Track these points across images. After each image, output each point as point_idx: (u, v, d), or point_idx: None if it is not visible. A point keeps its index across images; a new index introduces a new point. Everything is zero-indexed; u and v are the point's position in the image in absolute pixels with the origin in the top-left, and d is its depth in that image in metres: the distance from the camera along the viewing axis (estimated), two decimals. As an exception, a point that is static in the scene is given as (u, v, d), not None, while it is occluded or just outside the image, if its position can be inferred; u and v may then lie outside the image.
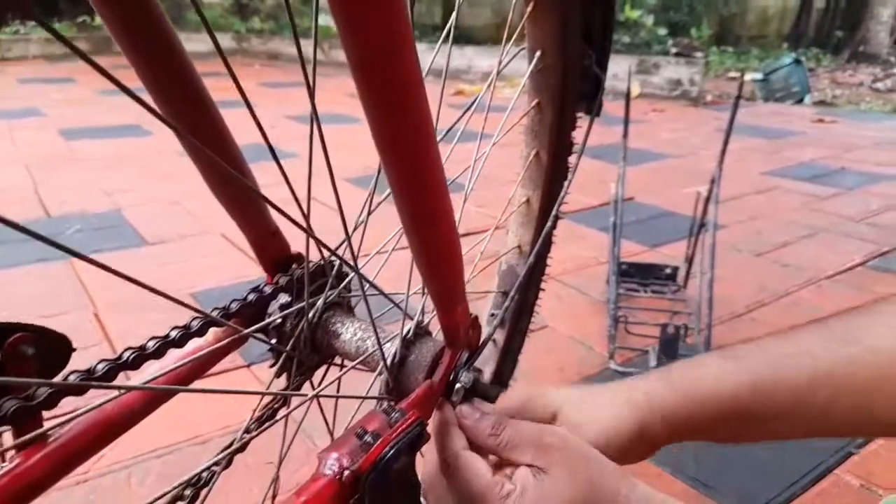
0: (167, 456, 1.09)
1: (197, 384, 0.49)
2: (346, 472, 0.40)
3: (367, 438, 0.41)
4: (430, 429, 0.47)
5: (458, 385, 0.51)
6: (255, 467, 1.04)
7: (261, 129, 0.35)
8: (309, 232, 0.43)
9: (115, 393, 0.41)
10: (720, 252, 1.63)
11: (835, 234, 2.27)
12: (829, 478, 1.08)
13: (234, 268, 1.86)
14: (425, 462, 0.50)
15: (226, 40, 7.63)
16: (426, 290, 0.49)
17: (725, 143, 1.60)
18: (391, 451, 0.41)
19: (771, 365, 0.49)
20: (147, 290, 0.31)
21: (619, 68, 4.58)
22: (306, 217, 0.41)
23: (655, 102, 5.06)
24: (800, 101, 5.36)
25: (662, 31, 6.50)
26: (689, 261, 1.73)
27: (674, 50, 6.05)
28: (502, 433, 0.46)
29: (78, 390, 0.38)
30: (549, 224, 0.78)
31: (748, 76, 5.53)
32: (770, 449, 1.14)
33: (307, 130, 0.38)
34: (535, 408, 0.52)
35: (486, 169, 0.68)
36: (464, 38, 6.47)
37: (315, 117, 0.37)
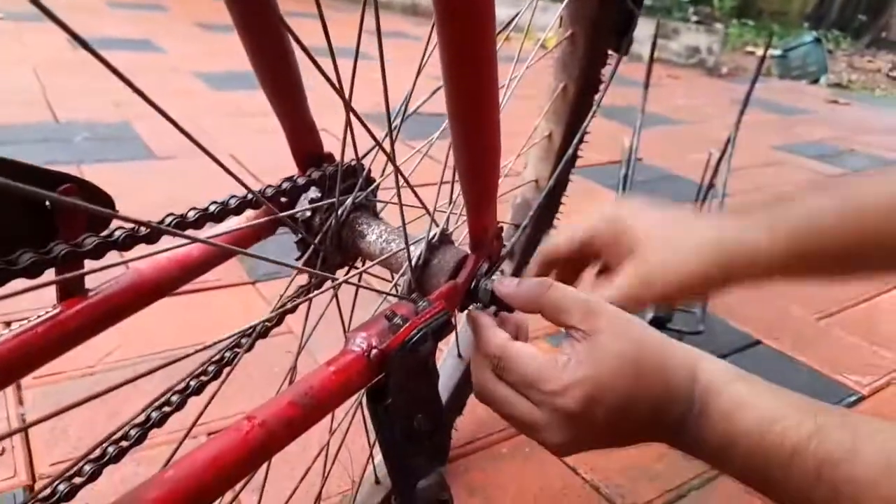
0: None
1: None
2: (374, 351, 0.41)
3: (396, 321, 0.43)
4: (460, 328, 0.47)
5: (486, 286, 0.52)
6: (256, 377, 1.06)
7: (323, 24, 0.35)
8: (351, 109, 0.43)
9: (150, 256, 0.42)
10: (724, 217, 1.63)
11: (838, 213, 2.27)
12: None
13: (242, 189, 1.85)
14: (475, 372, 0.48)
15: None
16: (461, 191, 0.50)
17: (744, 107, 1.59)
18: (418, 335, 0.42)
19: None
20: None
21: (638, 31, 4.51)
22: (347, 101, 0.42)
23: (671, 69, 5.00)
24: (815, 81, 5.30)
25: (685, -1, 6.37)
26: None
27: (694, 18, 5.94)
28: (548, 291, 0.45)
29: (124, 245, 0.39)
30: (570, 151, 0.79)
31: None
32: None
33: (322, 63, 0.38)
34: (620, 242, 0.53)
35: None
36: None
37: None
